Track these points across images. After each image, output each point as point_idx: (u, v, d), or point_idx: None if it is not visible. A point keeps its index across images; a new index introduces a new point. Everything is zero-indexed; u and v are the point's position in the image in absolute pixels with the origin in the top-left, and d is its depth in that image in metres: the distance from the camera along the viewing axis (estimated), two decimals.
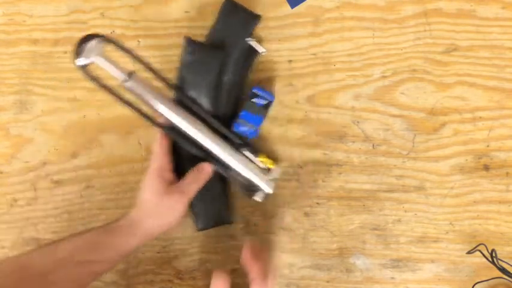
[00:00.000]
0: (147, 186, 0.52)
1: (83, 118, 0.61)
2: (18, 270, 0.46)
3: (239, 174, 0.56)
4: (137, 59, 0.53)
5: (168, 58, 0.60)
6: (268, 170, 0.58)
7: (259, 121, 0.57)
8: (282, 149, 0.60)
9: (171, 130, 0.54)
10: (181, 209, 0.53)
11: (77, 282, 0.49)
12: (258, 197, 0.57)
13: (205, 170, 0.55)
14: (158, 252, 0.62)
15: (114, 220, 0.52)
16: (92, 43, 0.48)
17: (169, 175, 0.54)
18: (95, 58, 0.49)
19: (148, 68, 0.54)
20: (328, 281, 0.61)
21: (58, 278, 0.47)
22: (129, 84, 0.51)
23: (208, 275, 0.61)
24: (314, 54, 0.59)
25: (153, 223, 0.52)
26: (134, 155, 0.61)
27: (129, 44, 0.60)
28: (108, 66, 0.50)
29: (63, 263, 0.48)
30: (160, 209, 0.52)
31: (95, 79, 0.50)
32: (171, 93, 0.57)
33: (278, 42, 0.59)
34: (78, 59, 0.48)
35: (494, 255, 0.57)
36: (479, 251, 0.58)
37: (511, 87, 0.58)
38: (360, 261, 0.61)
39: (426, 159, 0.59)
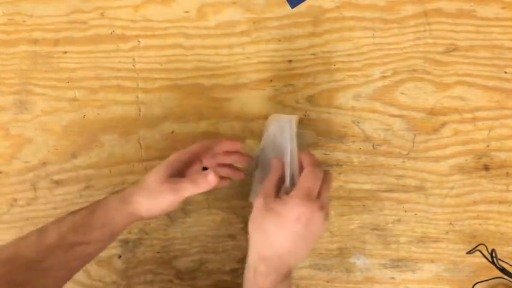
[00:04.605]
0: (154, 169, 0.51)
1: (83, 118, 0.61)
2: (9, 260, 0.46)
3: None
4: None
5: (168, 58, 0.60)
6: None
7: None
8: None
9: None
10: (171, 203, 0.51)
11: (69, 266, 0.49)
12: None
13: (209, 178, 0.50)
14: (158, 252, 0.62)
15: (102, 199, 0.52)
16: None
17: (178, 170, 0.52)
18: None
19: None
20: (328, 281, 0.61)
21: (50, 264, 0.47)
22: None
23: (208, 275, 0.61)
24: (314, 54, 0.59)
25: (143, 202, 0.50)
26: (134, 155, 0.61)
27: (129, 44, 0.60)
28: None
29: (53, 248, 0.47)
30: (154, 193, 0.50)
31: None
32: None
33: (278, 42, 0.59)
34: None
35: (494, 255, 0.57)
36: (479, 251, 0.58)
37: (511, 87, 0.58)
38: (360, 261, 0.61)
39: (426, 159, 0.59)
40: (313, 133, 0.60)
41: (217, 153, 0.55)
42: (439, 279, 0.60)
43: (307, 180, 0.48)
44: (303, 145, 0.59)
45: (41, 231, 0.49)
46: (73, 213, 0.50)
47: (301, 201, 0.46)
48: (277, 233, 0.47)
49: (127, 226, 0.52)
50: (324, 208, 0.47)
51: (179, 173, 0.52)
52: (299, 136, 0.56)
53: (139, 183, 0.51)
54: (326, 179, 0.49)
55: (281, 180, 0.51)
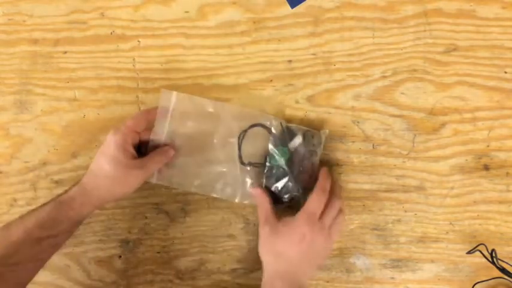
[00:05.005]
0: (108, 157, 0.52)
1: (83, 118, 0.61)
2: None
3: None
4: None
5: (168, 58, 0.60)
6: None
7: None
8: None
9: None
10: (139, 183, 0.54)
11: (38, 258, 0.52)
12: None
13: (169, 153, 0.56)
14: (158, 252, 0.62)
15: (63, 193, 0.53)
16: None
17: (132, 150, 0.53)
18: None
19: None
20: (328, 281, 0.61)
21: (19, 259, 0.50)
22: None
23: (208, 275, 0.61)
24: (314, 54, 0.59)
25: (108, 192, 0.53)
26: None
27: (129, 44, 0.60)
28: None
29: (20, 244, 0.49)
30: (118, 180, 0.53)
31: None
32: None
33: (278, 42, 0.59)
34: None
35: (494, 255, 0.57)
36: (479, 251, 0.58)
37: (511, 87, 0.58)
38: (360, 261, 0.61)
39: (426, 159, 0.59)
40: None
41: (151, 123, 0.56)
42: (439, 279, 0.60)
43: (312, 205, 0.53)
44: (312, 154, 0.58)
45: (5, 229, 0.51)
46: (36, 210, 0.52)
47: (303, 222, 0.52)
48: (288, 251, 0.52)
49: (92, 213, 0.55)
50: (324, 229, 0.52)
51: (132, 152, 0.54)
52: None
53: (98, 173, 0.52)
54: (332, 203, 0.54)
55: (271, 201, 0.56)
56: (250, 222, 0.61)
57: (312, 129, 0.58)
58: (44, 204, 0.52)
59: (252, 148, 0.58)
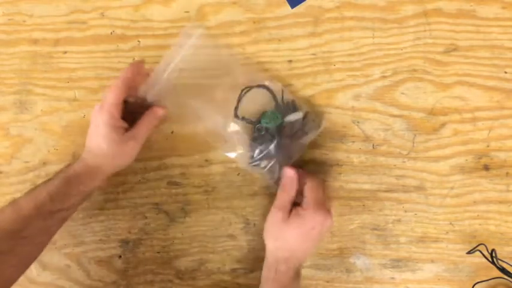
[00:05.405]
0: (101, 136, 0.53)
1: (83, 118, 0.61)
2: None
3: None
4: None
5: None
6: None
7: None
8: None
9: None
10: (136, 152, 0.56)
11: (48, 231, 0.54)
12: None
13: (158, 113, 0.56)
14: (158, 252, 0.62)
15: (68, 168, 0.54)
16: None
17: (121, 123, 0.53)
18: None
19: None
20: (328, 281, 0.61)
21: (30, 232, 0.51)
22: None
23: (208, 275, 0.61)
24: (314, 54, 0.59)
25: (111, 166, 0.55)
26: None
27: (129, 44, 0.60)
28: None
29: (30, 218, 0.50)
30: (117, 155, 0.54)
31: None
32: None
33: (278, 42, 0.59)
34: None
35: (494, 255, 0.57)
36: (479, 251, 0.58)
37: (511, 87, 0.58)
38: (360, 261, 0.61)
39: (426, 159, 0.59)
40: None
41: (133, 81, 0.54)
42: (439, 279, 0.60)
43: (314, 191, 0.54)
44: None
45: (14, 204, 0.52)
46: (44, 184, 0.53)
47: (314, 212, 0.53)
48: (295, 240, 0.53)
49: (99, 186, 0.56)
50: (330, 215, 0.54)
51: (121, 125, 0.54)
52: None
53: (98, 152, 0.53)
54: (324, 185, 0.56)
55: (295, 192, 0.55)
56: (250, 222, 0.61)
57: (316, 116, 0.58)
58: (52, 179, 0.53)
59: (251, 108, 0.57)
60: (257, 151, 0.56)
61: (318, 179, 0.57)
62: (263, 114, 0.57)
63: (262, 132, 0.56)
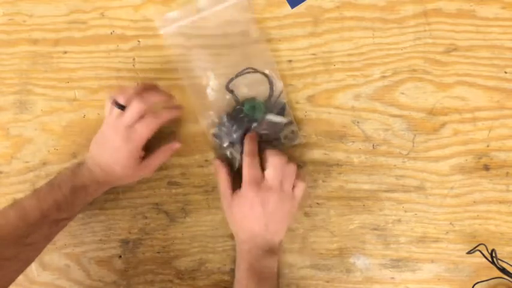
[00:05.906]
0: (118, 162, 0.54)
1: (83, 118, 0.61)
2: None
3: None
4: None
5: (168, 58, 0.60)
6: None
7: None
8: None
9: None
10: (144, 176, 0.59)
11: (49, 238, 0.55)
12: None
13: (174, 147, 0.58)
14: (158, 252, 0.62)
15: (75, 177, 0.54)
16: None
17: (141, 153, 0.55)
18: None
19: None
20: (328, 281, 0.61)
21: (35, 239, 0.52)
22: None
23: (208, 275, 0.61)
24: (314, 54, 0.59)
25: (118, 183, 0.58)
26: None
27: (129, 44, 0.60)
28: None
29: (36, 226, 0.51)
30: (128, 178, 0.57)
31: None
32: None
33: (278, 42, 0.59)
34: None
35: (494, 255, 0.57)
36: (479, 251, 0.58)
37: (511, 87, 0.58)
38: (360, 261, 0.61)
39: (426, 159, 0.59)
40: (313, 132, 0.60)
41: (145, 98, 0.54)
42: (439, 279, 0.60)
43: (245, 169, 0.54)
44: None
45: (20, 208, 0.52)
46: (50, 189, 0.53)
47: (247, 189, 0.53)
48: (246, 219, 0.54)
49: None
50: (272, 188, 0.53)
51: (141, 155, 0.56)
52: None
53: (111, 173, 0.54)
54: (269, 158, 0.54)
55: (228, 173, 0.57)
56: None
57: (298, 129, 0.59)
58: (60, 185, 0.53)
59: (244, 90, 0.58)
60: (224, 128, 0.57)
61: (255, 156, 0.55)
62: (250, 99, 0.57)
63: (241, 115, 0.57)
